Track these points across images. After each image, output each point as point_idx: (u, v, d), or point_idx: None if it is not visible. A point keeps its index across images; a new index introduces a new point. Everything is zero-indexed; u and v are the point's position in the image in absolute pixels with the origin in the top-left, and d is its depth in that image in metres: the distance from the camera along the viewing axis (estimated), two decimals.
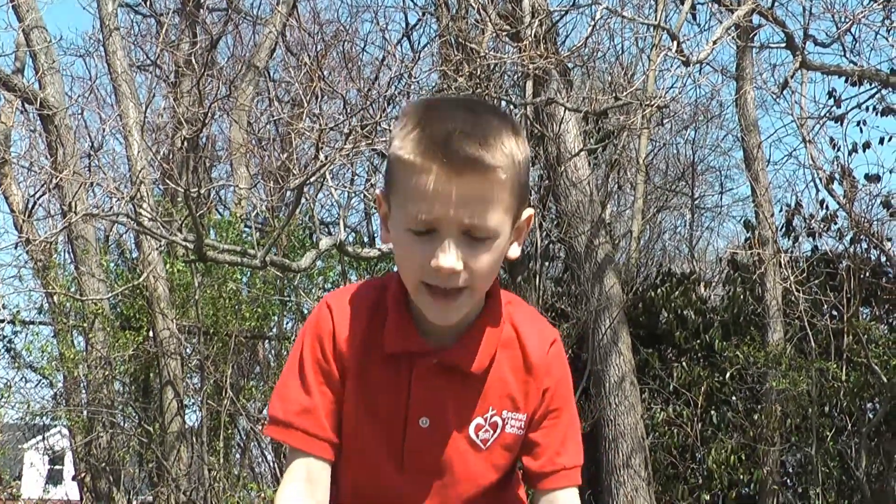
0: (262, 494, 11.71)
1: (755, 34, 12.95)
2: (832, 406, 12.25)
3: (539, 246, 12.29)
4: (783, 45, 11.87)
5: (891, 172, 15.19)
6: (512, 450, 2.28)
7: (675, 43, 10.06)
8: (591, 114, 12.01)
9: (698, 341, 12.95)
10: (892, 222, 12.96)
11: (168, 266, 12.32)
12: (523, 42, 10.80)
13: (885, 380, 11.42)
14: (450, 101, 2.25)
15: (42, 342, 13.09)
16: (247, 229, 13.24)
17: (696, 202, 18.70)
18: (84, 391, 12.87)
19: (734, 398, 12.49)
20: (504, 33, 11.15)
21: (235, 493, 11.70)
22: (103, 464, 12.34)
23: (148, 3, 17.95)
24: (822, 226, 12.94)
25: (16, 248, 13.54)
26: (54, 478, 16.59)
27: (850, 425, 11.93)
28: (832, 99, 12.85)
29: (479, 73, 10.97)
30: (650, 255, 16.46)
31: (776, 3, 11.52)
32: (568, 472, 2.28)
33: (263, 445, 12.94)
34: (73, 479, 13.30)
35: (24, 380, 13.41)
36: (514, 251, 2.18)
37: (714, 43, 10.33)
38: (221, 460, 11.86)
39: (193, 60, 14.08)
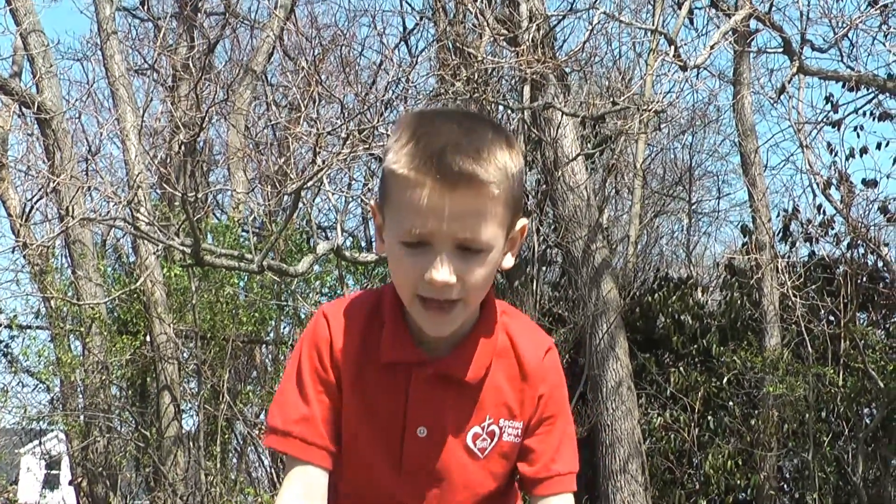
0: (259, 499, 11.70)
1: (752, 39, 12.96)
2: (829, 411, 12.24)
3: (536, 250, 12.29)
4: (780, 49, 11.88)
5: (888, 177, 15.19)
6: (509, 458, 2.29)
7: (673, 47, 10.07)
8: (588, 118, 12.01)
9: (695, 346, 12.95)
10: (889, 227, 12.99)
11: (165, 270, 12.31)
12: (521, 46, 10.81)
13: (881, 385, 11.42)
14: (444, 113, 2.25)
15: (39, 346, 13.09)
16: (244, 234, 13.24)
17: (694, 207, 18.71)
18: (81, 396, 12.86)
19: (731, 403, 12.49)
20: (501, 38, 11.15)
21: (232, 498, 11.69)
22: (100, 468, 12.33)
23: (145, 7, 17.97)
24: (819, 231, 12.95)
25: (13, 252, 13.54)
26: (51, 482, 16.61)
27: (847, 430, 11.92)
28: (829, 104, 12.86)
29: (476, 77, 10.98)
30: (647, 259, 16.46)
31: (773, 8, 11.53)
32: (563, 479, 2.29)
33: (260, 450, 12.93)
34: (70, 483, 13.29)
35: (20, 384, 13.40)
36: (508, 262, 2.19)
37: (711, 48, 10.33)
38: (218, 465, 11.85)
39: (191, 64, 14.06)
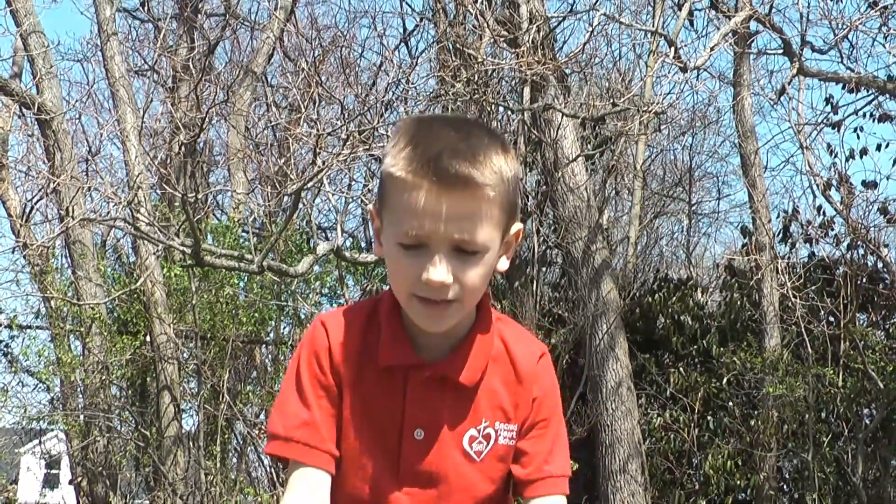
0: (259, 499, 11.71)
1: (752, 40, 12.97)
2: (829, 412, 12.25)
3: (536, 251, 12.30)
4: (780, 51, 11.89)
5: (888, 179, 15.22)
6: (506, 461, 2.31)
7: (673, 49, 10.07)
8: (588, 119, 12.02)
9: (695, 347, 12.96)
10: (889, 228, 13.00)
11: (165, 271, 12.32)
12: (521, 48, 10.81)
13: (881, 386, 11.43)
14: (441, 119, 2.32)
15: (39, 346, 13.10)
16: (244, 234, 13.25)
17: (694, 208, 18.72)
18: (81, 395, 12.87)
19: (731, 404, 12.50)
20: (502, 39, 11.16)
21: (232, 498, 11.69)
22: (100, 468, 12.34)
23: (146, 8, 17.98)
24: (819, 232, 12.96)
25: (13, 252, 13.55)
26: (51, 482, 16.61)
27: (846, 431, 11.93)
28: (829, 105, 12.86)
29: (476, 78, 10.99)
30: (647, 260, 16.48)
31: (773, 10, 11.54)
32: (555, 480, 2.32)
33: (260, 450, 12.94)
34: (70, 483, 13.29)
35: (20, 384, 13.41)
36: (504, 264, 2.24)
37: (711, 49, 10.34)
38: (218, 465, 11.85)
39: (191, 65, 14.07)
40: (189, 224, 9.39)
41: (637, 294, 13.48)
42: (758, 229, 12.80)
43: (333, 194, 11.70)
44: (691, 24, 12.77)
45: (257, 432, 12.29)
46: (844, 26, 11.31)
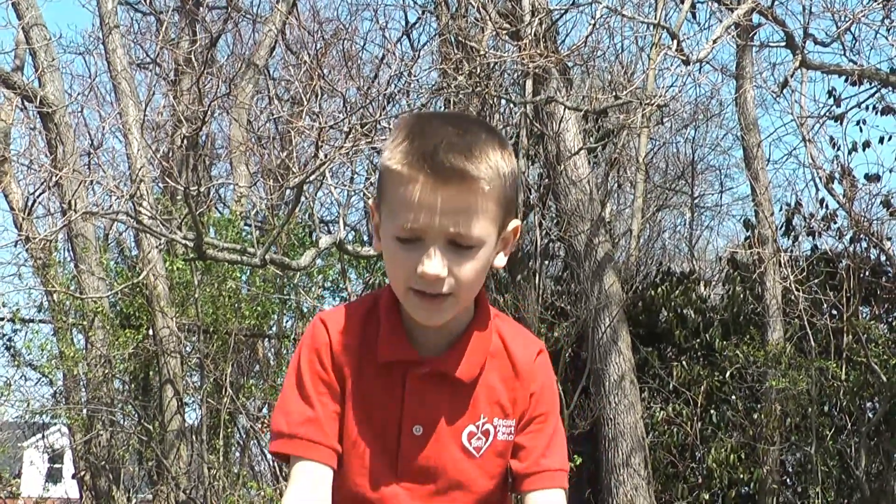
0: (262, 493, 11.71)
1: (755, 33, 12.95)
2: (832, 405, 12.26)
3: (539, 244, 12.29)
4: (783, 44, 11.88)
5: (890, 172, 15.17)
6: (505, 456, 2.32)
7: (675, 42, 10.06)
8: (590, 112, 12.01)
9: (698, 340, 12.96)
10: (892, 221, 12.97)
11: (168, 264, 12.32)
12: (523, 40, 10.80)
13: (884, 379, 11.43)
14: (440, 115, 2.38)
15: (42, 340, 13.09)
16: (246, 227, 13.24)
17: (696, 201, 18.71)
18: (84, 389, 12.87)
19: (734, 397, 12.50)
20: (504, 32, 11.14)
21: (235, 492, 11.70)
22: (103, 462, 12.34)
23: (148, 0, 17.95)
24: (821, 225, 12.95)
25: (15, 245, 13.55)
26: (54, 476, 16.60)
27: (849, 424, 11.94)
28: (832, 98, 12.85)
29: (478, 71, 10.97)
30: (650, 253, 16.45)
31: (776, 2, 11.53)
32: (553, 474, 2.32)
33: (263, 444, 12.94)
34: (73, 477, 13.30)
35: (23, 378, 13.41)
36: (500, 260, 2.24)
37: (714, 42, 10.33)
38: (221, 458, 11.86)
39: (193, 58, 14.07)
40: (191, 217, 9.39)
41: (640, 287, 13.47)
42: (760, 222, 12.80)
43: (336, 187, 11.70)
44: (694, 16, 12.77)
45: (260, 426, 12.29)
46: (847, 19, 11.29)
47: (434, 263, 2.08)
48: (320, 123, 9.50)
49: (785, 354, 11.76)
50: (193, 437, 12.03)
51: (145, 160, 11.88)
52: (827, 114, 12.80)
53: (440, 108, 12.65)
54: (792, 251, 13.02)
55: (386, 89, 10.95)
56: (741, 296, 13.20)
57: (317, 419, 2.23)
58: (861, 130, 13.53)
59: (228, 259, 10.12)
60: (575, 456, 11.26)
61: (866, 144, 12.67)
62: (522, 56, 10.66)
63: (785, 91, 12.38)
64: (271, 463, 12.73)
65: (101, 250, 13.20)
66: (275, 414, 2.29)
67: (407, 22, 16.51)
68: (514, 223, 2.23)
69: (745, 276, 13.15)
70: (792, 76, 11.75)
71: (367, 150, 11.03)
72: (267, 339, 13.61)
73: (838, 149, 12.57)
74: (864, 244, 12.52)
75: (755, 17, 11.91)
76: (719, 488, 12.21)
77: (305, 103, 10.32)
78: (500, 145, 2.15)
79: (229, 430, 12.49)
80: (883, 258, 12.52)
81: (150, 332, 12.27)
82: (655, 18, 11.33)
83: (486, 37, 11.32)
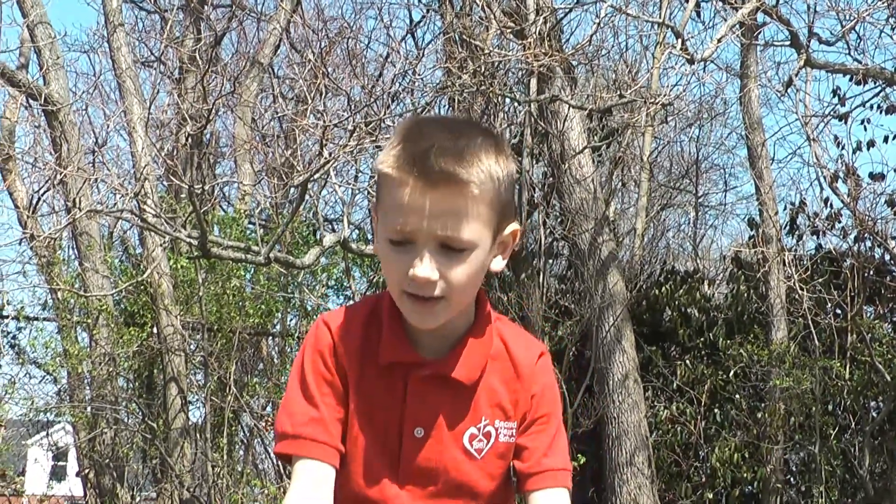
0: (266, 491, 11.72)
1: (759, 32, 12.93)
2: (836, 404, 12.25)
3: (543, 243, 12.29)
4: (788, 43, 11.85)
5: (895, 171, 15.18)
6: (506, 458, 2.33)
7: (680, 40, 10.05)
8: (595, 111, 12.00)
9: (702, 339, 12.95)
10: None
11: (172, 262, 12.33)
12: (527, 39, 10.80)
13: (888, 378, 11.42)
14: (437, 120, 2.41)
15: (46, 338, 13.12)
16: (251, 226, 13.25)
17: (700, 200, 18.70)
18: (88, 387, 12.89)
19: (738, 396, 12.49)
20: (508, 30, 11.14)
21: (239, 490, 11.71)
22: (107, 460, 12.36)
23: None
24: (826, 224, 12.94)
25: (20, 244, 13.56)
26: (58, 474, 16.63)
27: (853, 424, 11.93)
28: (836, 97, 12.83)
29: (483, 70, 10.97)
30: (654, 252, 16.44)
31: (781, 1, 11.51)
32: (555, 473, 2.33)
33: (267, 442, 12.95)
34: (77, 475, 13.32)
35: (28, 376, 13.42)
36: (498, 264, 2.25)
37: (718, 41, 10.31)
38: (225, 457, 11.87)
39: (198, 57, 14.05)
40: (196, 215, 9.40)
41: (644, 286, 13.46)
42: (765, 221, 12.79)
43: (340, 186, 11.68)
44: (698, 15, 12.74)
45: (264, 424, 12.30)
46: (852, 18, 11.27)
47: (424, 267, 2.09)
48: (325, 122, 9.51)
49: (789, 353, 11.75)
50: (197, 435, 12.04)
51: (150, 158, 11.89)
52: (831, 113, 12.78)
53: (444, 106, 12.66)
54: (796, 250, 13.01)
55: (390, 88, 10.96)
56: (745, 295, 13.19)
57: (321, 419, 2.23)
58: (865, 129, 13.51)
59: (232, 257, 10.13)
60: (578, 455, 11.26)
61: (871, 143, 12.66)
62: (527, 55, 10.66)
63: (789, 90, 12.36)
64: (275, 461, 12.73)
65: (106, 248, 13.21)
66: (279, 415, 2.30)
67: (411, 20, 16.52)
68: (513, 227, 2.24)
69: (749, 275, 13.14)
70: (796, 75, 11.73)
71: (372, 149, 11.02)
72: (271, 338, 13.62)
73: (843, 148, 12.56)
74: (869, 243, 12.51)
75: (760, 16, 11.90)
76: (723, 487, 12.20)
77: (310, 101, 10.33)
78: (496, 149, 2.16)
79: (233, 428, 12.50)
80: (887, 257, 12.50)
81: (155, 330, 12.28)
82: (660, 17, 11.32)
83: (490, 35, 11.32)
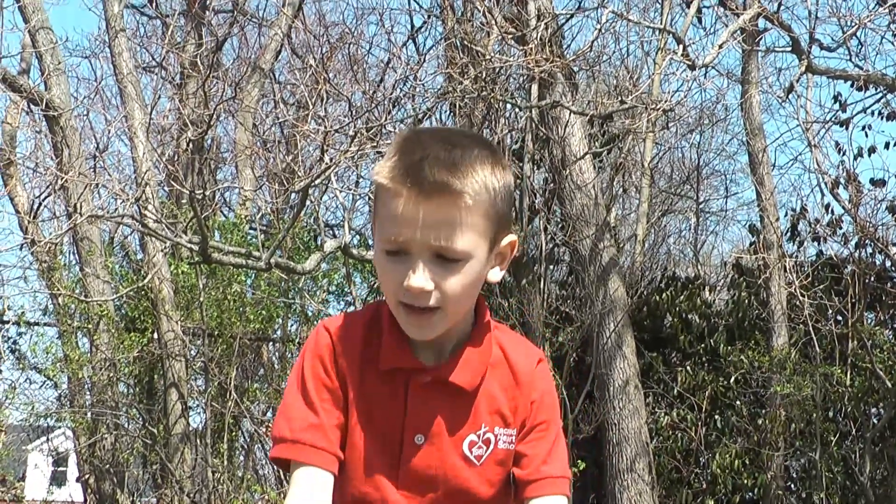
0: (266, 496, 11.72)
1: (761, 38, 12.95)
2: (836, 411, 12.24)
3: (544, 249, 12.28)
4: (789, 49, 11.85)
5: None
6: (505, 465, 2.33)
7: (681, 47, 10.05)
8: (596, 117, 12.01)
9: (703, 345, 12.94)
10: None
11: (173, 268, 12.33)
12: (529, 45, 10.80)
13: (889, 385, 11.41)
14: (434, 131, 2.39)
15: (47, 343, 13.11)
16: (251, 231, 13.25)
17: (701, 206, 18.71)
18: (88, 393, 12.88)
19: (738, 402, 12.48)
20: (509, 36, 11.15)
21: (239, 496, 11.71)
22: (107, 465, 12.35)
23: (154, 4, 17.98)
24: (827, 230, 12.94)
25: (21, 249, 13.59)
26: (58, 479, 16.62)
27: (854, 430, 11.92)
28: (838, 103, 12.84)
29: (484, 75, 10.98)
30: (655, 258, 16.44)
31: (782, 7, 11.52)
32: (554, 481, 2.32)
33: (267, 448, 12.93)
34: (77, 480, 13.31)
35: (28, 381, 13.43)
36: (495, 275, 2.26)
37: (720, 47, 10.32)
38: (225, 462, 11.87)
39: (199, 62, 14.08)
40: (196, 221, 9.40)
41: (644, 292, 13.46)
42: (766, 227, 12.79)
43: (341, 191, 11.69)
44: (699, 21, 12.75)
45: (264, 430, 12.29)
46: (853, 24, 11.27)
47: (418, 277, 2.10)
48: (326, 127, 9.51)
49: (790, 360, 11.75)
50: (198, 440, 12.03)
51: (151, 163, 11.90)
52: (832, 119, 12.79)
53: (445, 112, 12.66)
54: (797, 256, 13.01)
55: (391, 93, 10.96)
56: (746, 301, 13.19)
57: (320, 425, 2.23)
58: (867, 136, 13.55)
59: (233, 263, 10.13)
60: (579, 461, 11.26)
61: (872, 150, 12.67)
62: (528, 60, 10.66)
63: (790, 96, 12.37)
64: (275, 467, 12.72)
65: (107, 254, 13.21)
66: (277, 420, 2.29)
67: (413, 26, 16.54)
68: (510, 238, 2.24)
69: (750, 282, 13.13)
70: (797, 81, 11.73)
71: (373, 154, 11.03)
72: (271, 343, 13.62)
73: (844, 154, 12.57)
74: (870, 249, 12.51)
75: (761, 22, 11.89)
76: (724, 494, 12.19)
77: (311, 107, 10.33)
78: (493, 161, 2.16)
79: (233, 433, 12.49)
80: (888, 264, 12.51)
81: (155, 335, 12.27)
82: (661, 23, 11.33)
83: (491, 41, 11.33)
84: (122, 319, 12.86)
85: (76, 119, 13.01)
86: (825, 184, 12.41)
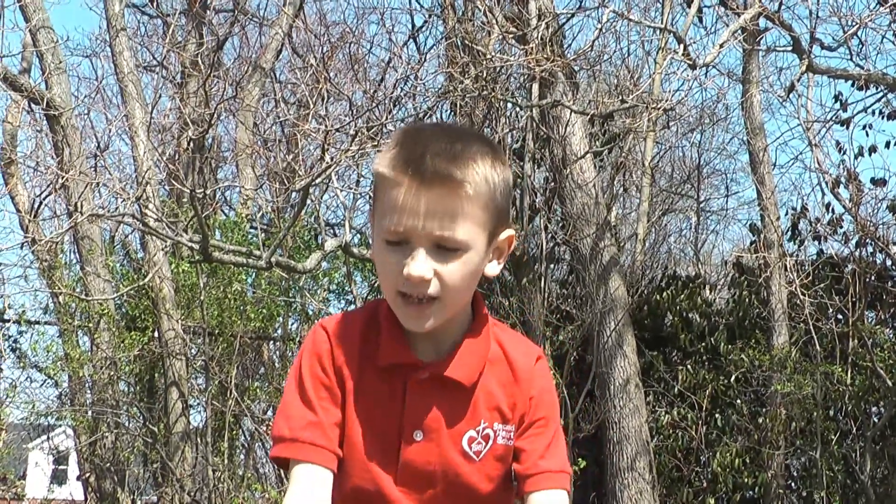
0: (267, 495, 11.72)
1: (761, 38, 12.94)
2: (837, 410, 12.24)
3: (544, 248, 12.28)
4: (789, 48, 11.85)
5: None
6: (504, 460, 2.34)
7: (682, 46, 10.05)
8: (597, 116, 12.01)
9: (703, 344, 12.94)
10: None
11: (173, 266, 12.33)
12: (529, 44, 10.81)
13: (889, 384, 11.42)
14: (435, 126, 2.44)
15: (47, 342, 13.12)
16: (252, 230, 13.25)
17: (702, 205, 18.71)
18: (89, 391, 12.89)
19: (739, 401, 12.48)
20: (510, 36, 11.15)
21: (240, 494, 11.71)
22: (108, 464, 12.35)
23: (154, 3, 17.99)
24: (827, 229, 12.94)
25: (22, 248, 13.60)
26: (59, 478, 16.62)
27: (854, 429, 11.92)
28: (838, 102, 12.84)
29: (485, 75, 10.98)
30: (655, 257, 16.45)
31: (783, 7, 11.51)
32: (553, 475, 2.33)
33: (268, 446, 12.94)
34: (78, 479, 13.32)
35: (29, 380, 13.43)
36: (493, 269, 2.28)
37: (720, 46, 10.32)
38: (226, 461, 11.87)
39: (200, 61, 14.09)
40: (197, 220, 9.40)
41: (645, 291, 13.46)
42: (766, 227, 12.79)
43: (342, 190, 11.69)
44: (700, 20, 12.75)
45: (265, 428, 12.30)
46: (854, 23, 11.27)
47: (418, 265, 2.12)
48: (326, 126, 9.52)
49: (790, 359, 11.75)
50: (198, 439, 12.03)
51: (151, 163, 11.90)
52: (833, 118, 12.80)
53: (446, 111, 12.66)
54: (798, 255, 13.01)
55: (392, 93, 10.96)
56: (747, 300, 13.19)
57: (319, 423, 2.24)
58: (867, 135, 13.54)
59: (234, 261, 10.14)
60: (580, 459, 11.26)
61: (872, 149, 12.67)
62: (529, 60, 10.67)
63: (791, 95, 12.37)
64: (276, 465, 12.72)
65: (107, 252, 13.21)
66: (276, 419, 2.31)
67: (413, 25, 16.53)
68: (508, 232, 2.26)
69: (750, 281, 13.14)
70: (798, 80, 11.73)
71: (373, 154, 11.04)
72: (272, 342, 13.62)
73: (844, 153, 12.57)
74: (870, 249, 12.51)
75: (762, 22, 11.89)
76: (724, 493, 12.19)
77: (312, 106, 10.33)
78: (493, 156, 2.19)
79: (234, 432, 12.50)
80: (889, 263, 12.51)
81: (156, 334, 12.28)
82: (662, 23, 11.34)
83: (492, 40, 11.32)
84: (122, 318, 12.87)
85: (77, 118, 13.03)
86: (826, 183, 12.41)
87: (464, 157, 2.13)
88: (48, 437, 15.29)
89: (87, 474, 12.66)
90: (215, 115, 11.52)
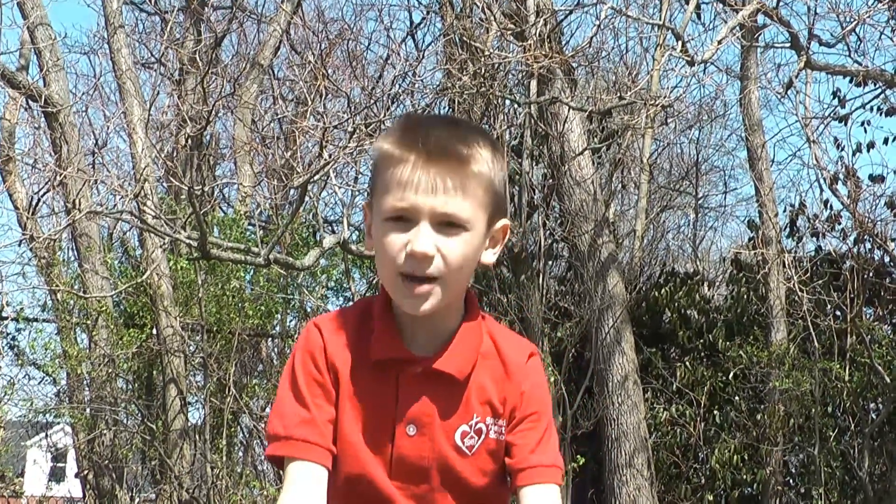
0: (265, 492, 11.72)
1: (760, 34, 12.93)
2: (835, 406, 12.25)
3: (542, 245, 12.29)
4: (788, 44, 11.84)
5: (895, 173, 15.18)
6: (496, 455, 2.34)
7: (680, 42, 10.05)
8: (595, 113, 12.01)
9: (701, 341, 12.95)
10: None
11: (172, 264, 12.32)
12: (528, 41, 10.80)
13: (888, 380, 11.42)
14: (436, 116, 2.43)
15: (45, 339, 13.11)
16: (250, 227, 13.25)
17: (700, 202, 18.69)
18: (87, 389, 12.88)
19: (737, 398, 12.49)
20: (508, 32, 11.14)
21: (238, 491, 11.70)
22: (106, 461, 12.35)
23: (152, 0, 17.97)
24: (825, 226, 12.93)
25: (20, 245, 13.54)
26: (57, 475, 16.63)
27: (853, 425, 11.92)
28: (837, 99, 12.82)
29: (483, 71, 10.98)
30: (654, 254, 16.44)
31: (781, 3, 11.50)
32: (544, 469, 2.33)
33: (266, 444, 12.94)
34: (76, 476, 13.31)
35: (27, 377, 13.42)
36: (489, 257, 2.30)
37: (719, 43, 10.31)
38: (224, 458, 11.86)
39: (198, 58, 14.05)
40: (195, 217, 9.40)
41: (643, 288, 13.47)
42: (764, 223, 12.79)
43: (340, 187, 11.68)
44: (698, 17, 12.73)
45: (263, 426, 12.29)
46: (852, 20, 11.26)
47: (423, 241, 2.13)
48: (325, 123, 9.51)
49: (788, 355, 11.75)
50: (196, 436, 12.03)
51: (149, 160, 11.89)
52: (831, 115, 12.78)
53: (444, 107, 12.65)
54: (796, 252, 13.01)
55: (390, 89, 10.96)
56: (745, 297, 13.20)
57: (312, 420, 2.25)
58: (866, 131, 13.56)
59: (232, 259, 10.13)
60: (578, 456, 11.26)
61: (871, 145, 12.66)
62: (527, 56, 10.67)
63: (789, 92, 12.36)
64: (272, 464, 12.70)
65: (105, 250, 13.20)
66: (270, 418, 2.32)
67: (412, 22, 16.56)
68: (503, 222, 2.29)
69: (748, 277, 13.14)
70: (796, 77, 11.73)
71: (371, 151, 11.04)
72: (270, 339, 13.62)
73: (843, 150, 12.56)
74: (868, 245, 12.50)
75: (760, 18, 11.89)
76: (722, 489, 12.20)
77: (310, 103, 10.33)
78: (493, 148, 2.23)
79: (232, 429, 12.49)
80: (887, 259, 12.51)
81: (154, 331, 12.27)
82: (660, 19, 11.32)
83: (490, 37, 11.33)
84: (120, 315, 12.86)
85: (75, 115, 13.01)
86: (824, 179, 12.40)
87: (468, 139, 2.17)
88: (46, 435, 15.30)
89: (86, 472, 12.65)
90: (213, 112, 11.50)
